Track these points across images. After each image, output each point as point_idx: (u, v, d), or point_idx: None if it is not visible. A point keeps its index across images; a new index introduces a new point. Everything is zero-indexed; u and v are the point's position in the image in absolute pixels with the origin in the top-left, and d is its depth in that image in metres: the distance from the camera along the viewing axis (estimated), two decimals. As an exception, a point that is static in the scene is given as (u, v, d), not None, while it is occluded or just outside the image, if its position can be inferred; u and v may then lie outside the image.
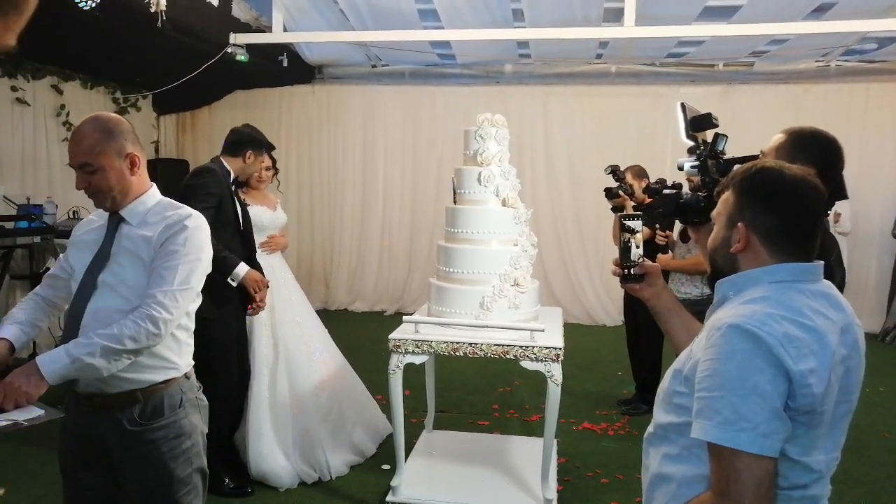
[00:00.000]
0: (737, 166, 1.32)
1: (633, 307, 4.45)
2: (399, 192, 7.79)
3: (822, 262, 1.24)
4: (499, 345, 2.95)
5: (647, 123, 7.10)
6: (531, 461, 3.36)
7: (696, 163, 1.63)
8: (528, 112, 7.34)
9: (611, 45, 6.48)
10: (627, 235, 1.44)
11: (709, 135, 1.69)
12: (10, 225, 4.64)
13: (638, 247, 1.44)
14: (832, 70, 6.96)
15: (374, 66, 7.65)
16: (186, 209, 1.84)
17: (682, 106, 1.63)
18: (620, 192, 3.82)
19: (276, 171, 3.71)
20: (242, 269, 3.06)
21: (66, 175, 6.30)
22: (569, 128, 7.40)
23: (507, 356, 2.96)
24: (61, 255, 1.96)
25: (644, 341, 4.34)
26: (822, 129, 1.70)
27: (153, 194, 1.87)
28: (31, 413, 1.62)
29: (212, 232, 1.92)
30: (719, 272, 1.28)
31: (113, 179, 1.77)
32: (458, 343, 2.98)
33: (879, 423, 4.35)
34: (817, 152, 1.61)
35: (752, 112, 6.76)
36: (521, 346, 2.93)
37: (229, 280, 3.04)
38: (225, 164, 3.23)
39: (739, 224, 1.22)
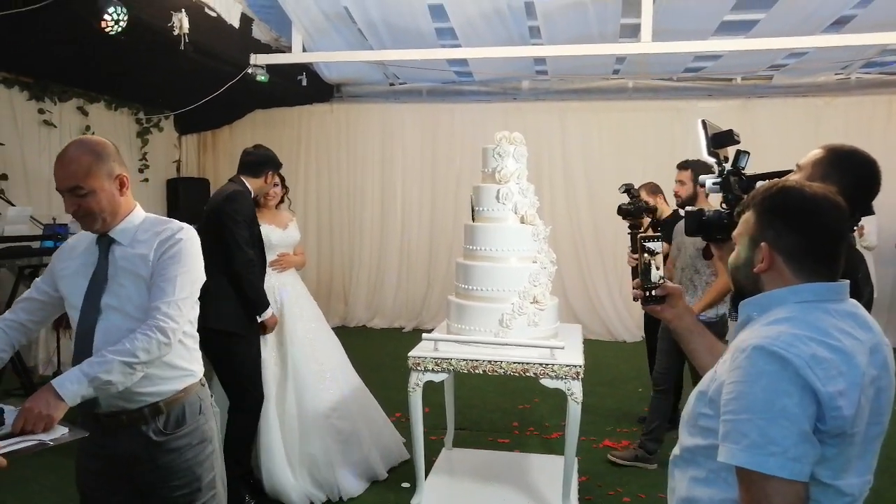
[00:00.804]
0: (758, 184, 1.31)
1: (654, 323, 4.40)
2: (417, 209, 7.82)
3: (848, 281, 1.22)
4: (518, 362, 2.94)
5: (664, 138, 7.08)
6: (552, 479, 3.32)
7: (718, 180, 1.62)
8: (546, 128, 7.36)
9: (627, 60, 6.49)
10: (648, 257, 1.43)
11: (730, 151, 1.68)
12: (36, 244, 4.73)
13: (658, 268, 1.43)
14: (853, 83, 6.89)
15: (391, 85, 7.72)
16: (176, 223, 1.87)
17: (703, 123, 1.63)
18: (647, 215, 3.86)
19: (287, 189, 3.71)
20: (269, 312, 3.24)
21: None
22: (586, 143, 7.39)
23: (527, 374, 2.94)
24: (37, 280, 1.94)
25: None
26: (860, 148, 1.68)
27: (139, 213, 1.88)
28: (56, 433, 1.63)
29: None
30: (742, 292, 1.27)
31: (104, 201, 1.77)
32: (477, 361, 2.98)
33: (910, 441, 4.24)
34: (851, 171, 1.58)
35: (771, 126, 6.72)
36: (541, 364, 2.92)
37: (257, 316, 3.20)
38: (247, 184, 3.30)
39: (763, 244, 1.21)
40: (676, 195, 3.74)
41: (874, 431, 1.17)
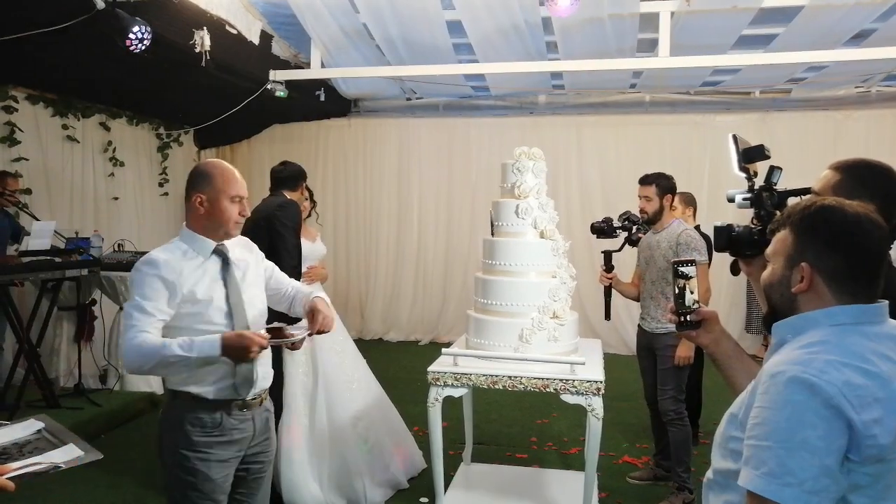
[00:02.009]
0: (790, 202, 1.29)
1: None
2: (434, 222, 7.84)
3: (887, 303, 1.19)
4: (539, 378, 2.92)
5: (682, 152, 7.04)
6: (571, 495, 3.29)
7: (749, 195, 1.60)
8: (562, 142, 7.36)
9: (645, 74, 6.48)
10: (683, 282, 1.39)
11: (759, 165, 1.65)
12: (58, 258, 4.77)
13: (693, 292, 1.40)
14: (873, 95, 6.83)
15: (408, 99, 7.77)
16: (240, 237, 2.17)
17: (734, 138, 1.61)
18: (641, 235, 3.85)
19: (315, 203, 3.80)
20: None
21: (113, 208, 6.49)
22: (603, 158, 7.38)
23: (548, 390, 2.92)
24: (146, 305, 1.86)
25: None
26: (870, 158, 1.61)
27: None
28: (70, 455, 1.59)
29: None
30: (776, 312, 1.24)
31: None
32: (497, 376, 2.96)
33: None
34: (879, 187, 1.51)
35: (790, 140, 6.66)
36: (561, 380, 2.89)
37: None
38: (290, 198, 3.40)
39: (803, 264, 1.18)
40: (642, 211, 3.70)
41: None
